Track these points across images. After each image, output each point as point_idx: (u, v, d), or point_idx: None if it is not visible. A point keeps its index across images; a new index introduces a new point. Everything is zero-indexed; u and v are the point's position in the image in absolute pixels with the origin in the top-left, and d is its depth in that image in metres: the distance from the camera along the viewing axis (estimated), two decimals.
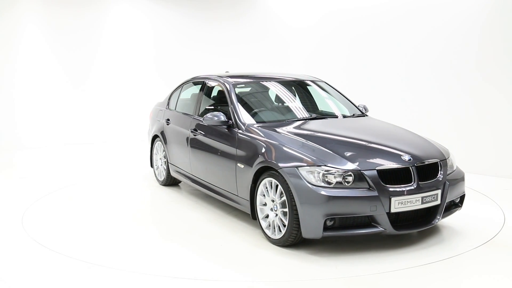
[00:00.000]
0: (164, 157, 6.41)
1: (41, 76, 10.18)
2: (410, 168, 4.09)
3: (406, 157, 4.15)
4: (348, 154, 4.15)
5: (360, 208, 3.88)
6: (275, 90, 5.64)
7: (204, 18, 11.36)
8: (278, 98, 5.60)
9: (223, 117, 4.96)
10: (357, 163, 4.01)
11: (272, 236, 4.28)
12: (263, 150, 4.39)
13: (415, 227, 4.16)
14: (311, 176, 3.94)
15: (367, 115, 5.61)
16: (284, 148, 4.28)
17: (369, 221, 3.98)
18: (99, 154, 9.50)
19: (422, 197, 4.05)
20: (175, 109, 6.39)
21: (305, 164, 4.01)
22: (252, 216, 4.53)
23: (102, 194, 6.28)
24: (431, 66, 7.89)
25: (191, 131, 5.61)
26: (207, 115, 5.05)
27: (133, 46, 11.03)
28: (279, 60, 10.55)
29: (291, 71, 9.41)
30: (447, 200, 4.27)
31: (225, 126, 4.99)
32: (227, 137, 4.92)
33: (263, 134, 4.60)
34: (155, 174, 6.82)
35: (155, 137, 6.71)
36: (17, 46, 9.91)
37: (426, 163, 4.22)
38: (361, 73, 8.97)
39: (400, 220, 4.10)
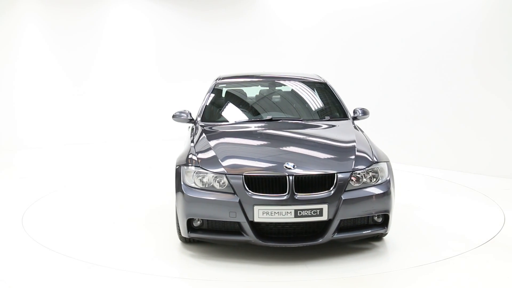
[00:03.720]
0: None
1: (41, 76, 10.19)
2: (287, 177, 3.77)
3: (289, 165, 3.83)
4: (229, 158, 4.04)
5: (218, 212, 3.78)
6: (258, 91, 5.75)
7: (205, 17, 11.39)
8: (253, 99, 5.67)
9: (188, 115, 5.19)
10: (227, 167, 3.88)
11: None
12: (184, 147, 4.56)
13: (293, 242, 3.83)
14: (188, 175, 3.98)
15: (349, 119, 5.12)
16: (188, 147, 4.39)
17: (239, 228, 3.81)
18: (99, 154, 9.50)
19: (296, 210, 3.69)
20: None
21: (186, 164, 4.06)
22: None
23: (102, 194, 6.28)
24: (430, 65, 7.89)
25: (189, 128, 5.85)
26: (176, 112, 5.27)
27: (133, 46, 11.04)
28: (279, 58, 10.55)
29: (289, 69, 9.41)
30: (344, 217, 3.80)
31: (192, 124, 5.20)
32: (190, 134, 5.14)
33: (194, 133, 4.78)
34: None
35: None
36: (17, 46, 9.92)
37: (311, 174, 3.81)
38: (362, 72, 8.97)
39: (284, 231, 3.85)
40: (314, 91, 5.70)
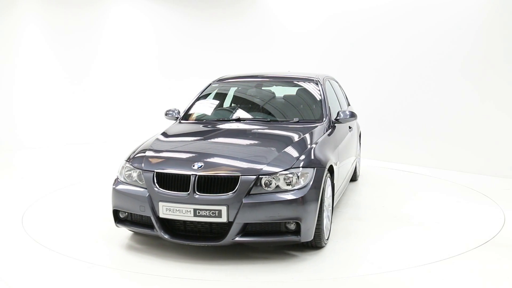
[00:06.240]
0: None
1: (41, 76, 10.18)
2: (191, 176, 3.84)
3: (196, 166, 3.90)
4: (153, 154, 4.28)
5: (131, 206, 4.06)
6: (246, 92, 5.82)
7: (205, 17, 11.38)
8: (237, 100, 5.73)
9: (176, 114, 5.45)
10: (145, 164, 4.12)
11: None
12: None
13: (196, 241, 3.89)
14: (122, 170, 4.34)
15: (322, 122, 4.89)
16: (142, 143, 4.66)
17: (152, 223, 4.01)
18: (99, 154, 9.50)
19: (195, 209, 3.77)
20: None
21: (126, 159, 4.39)
22: None
23: (102, 194, 6.27)
24: (432, 65, 7.90)
25: None
26: (168, 110, 5.50)
27: (133, 46, 11.04)
28: (278, 58, 10.55)
29: (288, 69, 9.41)
30: (247, 221, 3.74)
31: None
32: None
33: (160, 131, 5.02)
34: None
35: None
36: (17, 46, 9.91)
37: (213, 175, 3.82)
38: (364, 72, 8.97)
39: (190, 230, 3.95)
40: (304, 91, 5.57)
